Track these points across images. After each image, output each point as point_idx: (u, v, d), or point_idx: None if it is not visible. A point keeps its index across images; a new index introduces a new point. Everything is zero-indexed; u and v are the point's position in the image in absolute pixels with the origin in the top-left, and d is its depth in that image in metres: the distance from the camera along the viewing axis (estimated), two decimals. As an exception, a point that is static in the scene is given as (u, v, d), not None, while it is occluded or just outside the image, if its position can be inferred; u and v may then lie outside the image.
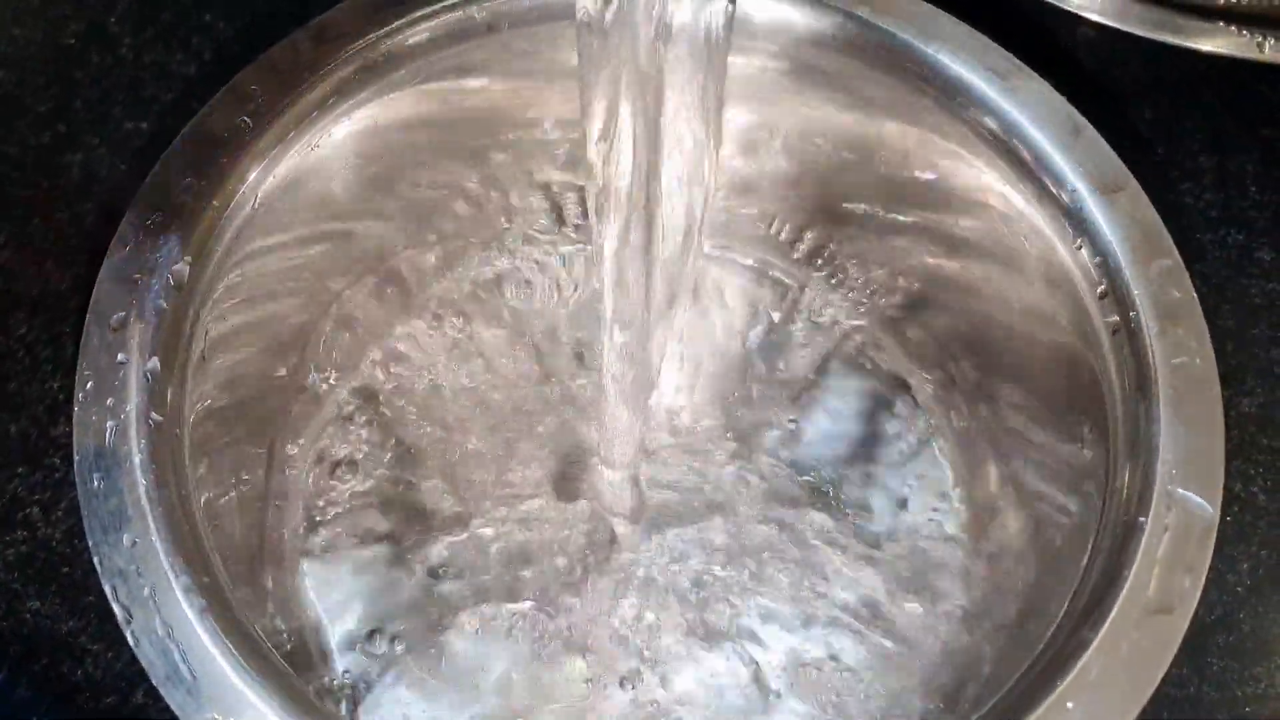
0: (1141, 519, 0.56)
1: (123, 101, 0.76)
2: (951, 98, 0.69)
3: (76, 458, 0.55)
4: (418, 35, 0.69)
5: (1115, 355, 0.62)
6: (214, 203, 0.63)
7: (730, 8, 0.53)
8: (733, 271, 0.84)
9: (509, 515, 0.76)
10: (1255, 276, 0.73)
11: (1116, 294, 0.62)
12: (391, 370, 0.79)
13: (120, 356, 0.58)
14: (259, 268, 0.68)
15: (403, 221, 0.78)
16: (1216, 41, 0.74)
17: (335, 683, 0.69)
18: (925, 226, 0.76)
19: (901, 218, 0.77)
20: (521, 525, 0.76)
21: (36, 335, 0.68)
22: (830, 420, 0.80)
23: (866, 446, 0.79)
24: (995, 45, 0.69)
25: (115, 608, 0.52)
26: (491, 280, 0.83)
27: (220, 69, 0.69)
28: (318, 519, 0.74)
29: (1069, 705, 0.51)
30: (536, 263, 0.84)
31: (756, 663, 0.73)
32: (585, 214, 0.83)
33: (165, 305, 0.59)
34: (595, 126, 0.55)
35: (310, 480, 0.75)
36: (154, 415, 0.57)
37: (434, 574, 0.74)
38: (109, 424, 0.56)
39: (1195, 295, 0.62)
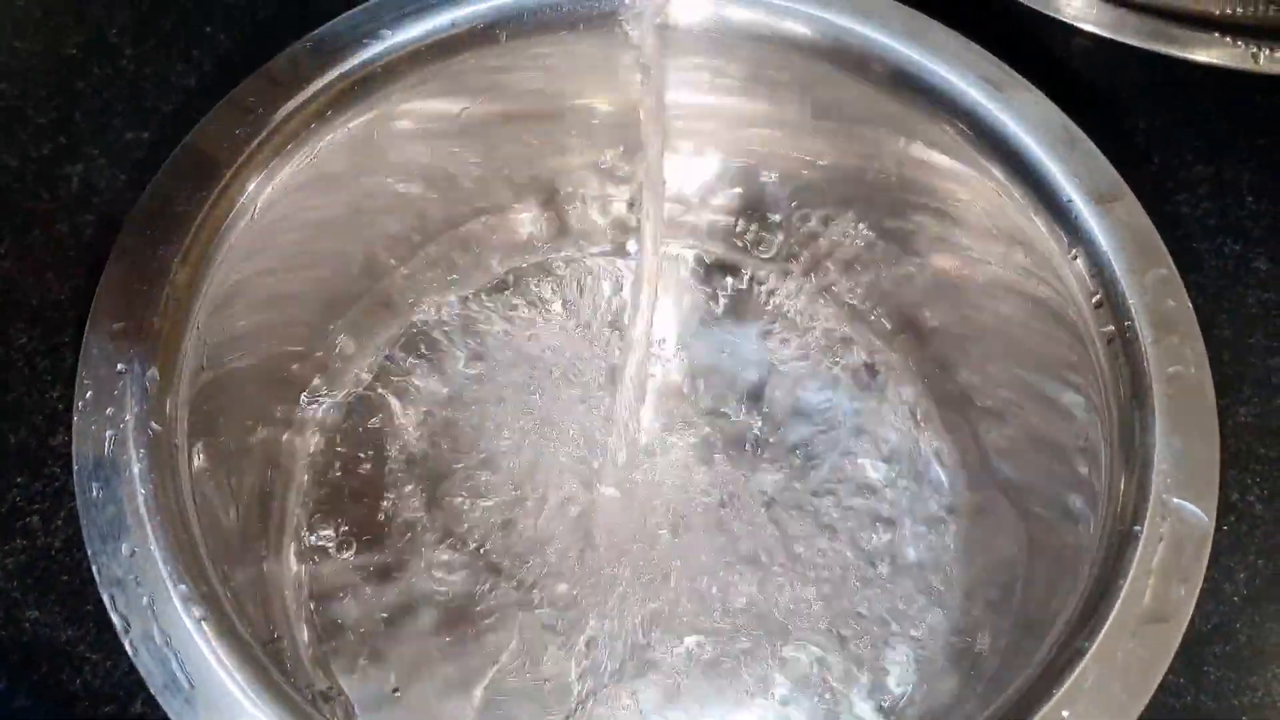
0: (1137, 528, 0.56)
1: (123, 113, 0.76)
2: (946, 108, 0.69)
3: (76, 467, 0.55)
4: (416, 46, 0.69)
5: (1110, 364, 0.62)
6: (213, 213, 0.63)
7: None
8: (724, 281, 0.85)
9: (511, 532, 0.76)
10: (1252, 286, 0.74)
11: (1112, 303, 0.62)
12: (391, 380, 0.79)
13: (119, 366, 0.58)
14: (259, 278, 0.68)
15: (401, 232, 0.78)
16: (1212, 52, 0.75)
17: (332, 691, 0.69)
18: (920, 236, 0.76)
19: (896, 227, 0.77)
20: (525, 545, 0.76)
21: (36, 346, 0.68)
22: (820, 429, 0.80)
23: (857, 460, 0.79)
24: (990, 55, 0.69)
25: (114, 617, 0.52)
26: (491, 290, 0.83)
27: (220, 80, 0.69)
28: (318, 530, 0.74)
29: (1065, 714, 0.51)
30: (537, 273, 0.84)
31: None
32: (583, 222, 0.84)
33: (164, 315, 0.59)
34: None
35: (311, 490, 0.75)
36: (153, 425, 0.57)
37: (433, 579, 0.74)
38: (108, 433, 0.56)
39: (1190, 305, 0.62)
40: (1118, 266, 0.62)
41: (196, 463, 0.61)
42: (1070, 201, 0.64)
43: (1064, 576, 0.61)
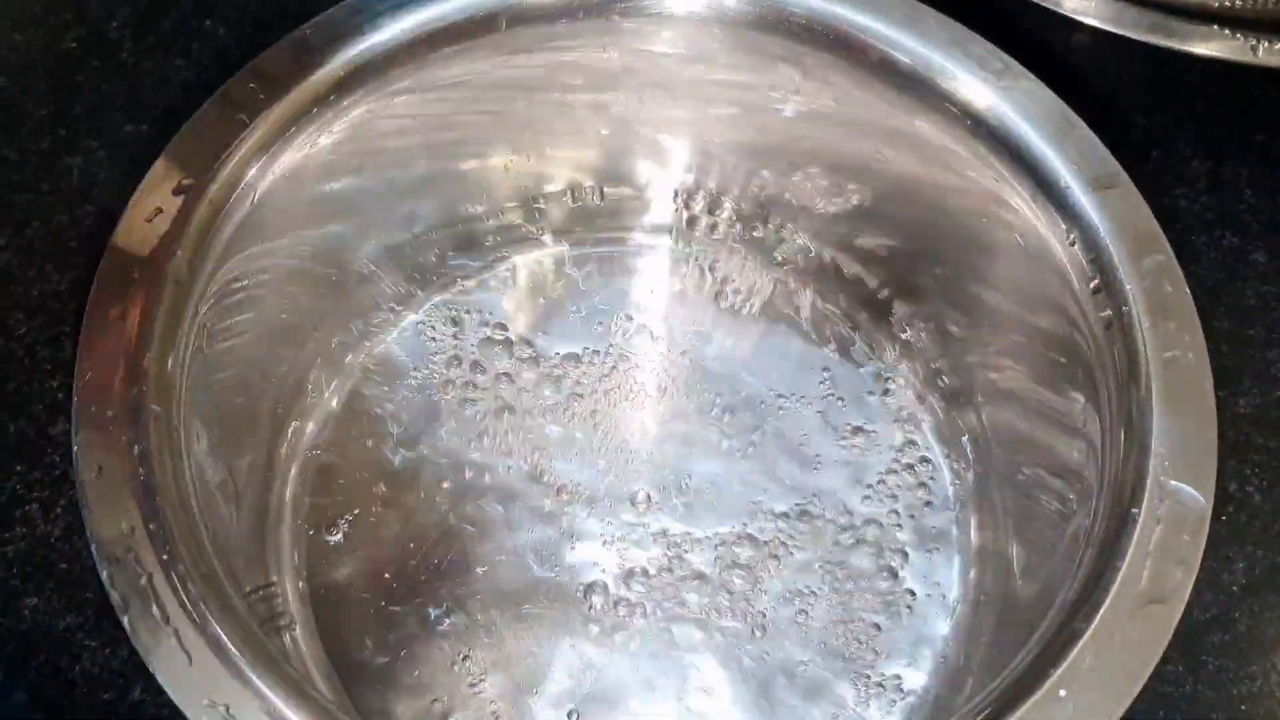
0: (1134, 511, 0.56)
1: (122, 106, 0.76)
2: (944, 95, 0.69)
3: (75, 447, 0.55)
4: (415, 34, 0.69)
5: (1108, 349, 0.62)
6: (211, 199, 0.63)
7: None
8: (740, 273, 0.85)
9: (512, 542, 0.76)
10: (1250, 279, 0.74)
11: (1109, 289, 0.62)
12: (391, 363, 0.80)
13: (118, 350, 0.58)
14: (258, 264, 0.68)
15: (400, 220, 0.79)
16: (1210, 45, 0.75)
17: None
18: (917, 222, 0.76)
19: (894, 214, 0.77)
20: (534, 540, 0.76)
21: (36, 336, 0.69)
22: (824, 417, 0.80)
23: (859, 442, 0.79)
24: (987, 43, 0.69)
25: (112, 595, 0.52)
26: (483, 277, 0.84)
27: (219, 75, 0.69)
28: (318, 512, 0.74)
29: (1061, 694, 0.51)
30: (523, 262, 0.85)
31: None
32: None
33: (164, 300, 0.60)
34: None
35: (310, 473, 0.76)
36: (154, 407, 0.57)
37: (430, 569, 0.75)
38: (108, 413, 0.56)
39: (1187, 290, 0.62)
40: (1115, 252, 0.63)
41: (196, 445, 0.61)
42: (1068, 188, 0.65)
43: (1062, 558, 0.62)
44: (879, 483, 0.77)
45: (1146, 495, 0.56)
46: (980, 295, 0.75)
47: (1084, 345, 0.64)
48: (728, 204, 0.83)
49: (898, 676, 0.71)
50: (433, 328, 0.81)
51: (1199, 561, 0.55)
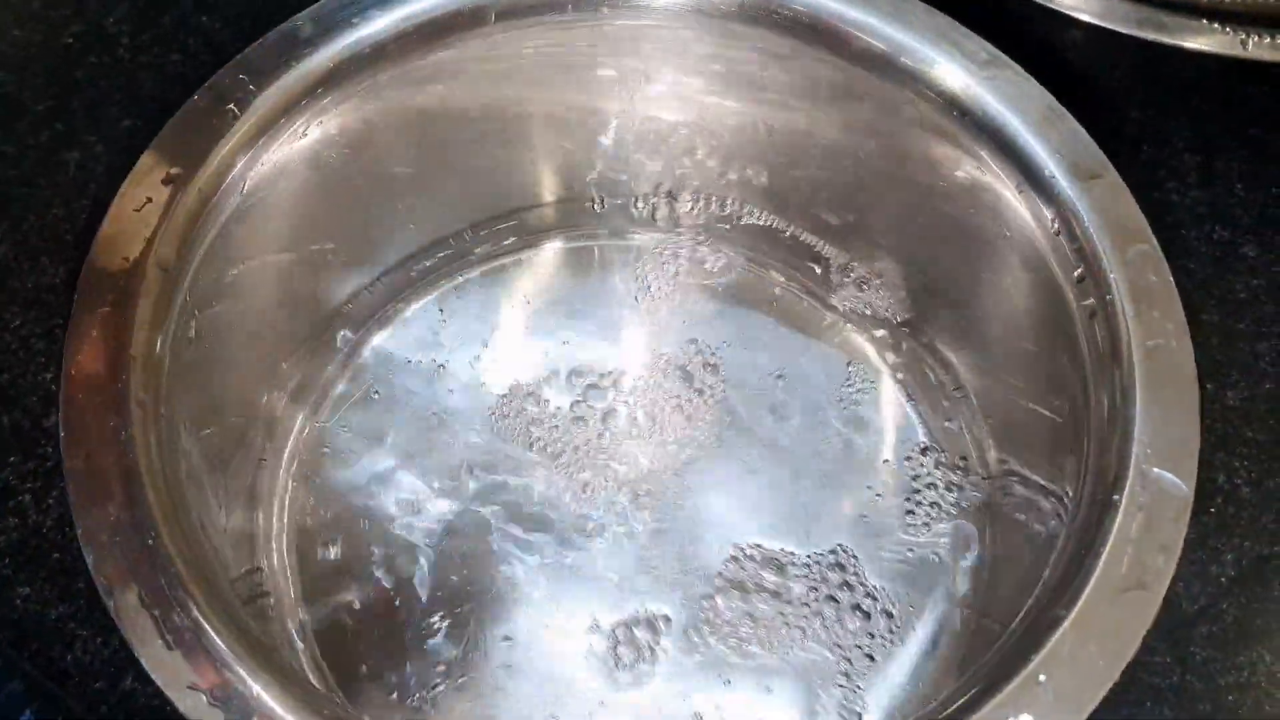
0: (1116, 498, 0.56)
1: (120, 101, 0.77)
2: (931, 86, 0.69)
3: (63, 433, 0.56)
4: (404, 27, 0.70)
5: (1092, 338, 0.62)
6: (200, 189, 0.63)
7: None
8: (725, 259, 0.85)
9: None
10: (1240, 272, 0.74)
11: (1094, 278, 0.63)
12: (381, 351, 0.80)
13: (107, 337, 0.58)
14: (248, 253, 0.69)
15: (389, 210, 0.79)
16: (1201, 40, 0.75)
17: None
18: (905, 211, 0.76)
19: (881, 203, 0.78)
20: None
21: (31, 329, 0.69)
22: (812, 408, 0.80)
23: (846, 427, 0.79)
24: (975, 35, 0.70)
25: (97, 580, 0.53)
26: (477, 270, 0.84)
27: (216, 70, 0.70)
28: (307, 499, 0.75)
29: (1041, 678, 0.52)
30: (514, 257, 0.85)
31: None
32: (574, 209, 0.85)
33: (152, 289, 0.60)
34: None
35: (298, 459, 0.76)
36: (140, 394, 0.57)
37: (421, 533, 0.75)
38: (95, 400, 0.57)
39: (1171, 279, 0.62)
40: (1099, 242, 0.63)
41: (183, 432, 0.61)
42: (1053, 178, 0.65)
43: (1045, 544, 0.62)
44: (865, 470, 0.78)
45: (1129, 482, 0.56)
46: (965, 285, 0.75)
47: (1068, 333, 0.64)
48: (717, 197, 0.83)
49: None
50: (426, 320, 0.82)
51: (1180, 548, 0.56)
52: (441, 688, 0.71)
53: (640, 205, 0.85)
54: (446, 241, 0.83)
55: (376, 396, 0.80)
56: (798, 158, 0.79)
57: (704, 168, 0.83)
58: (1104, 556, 0.55)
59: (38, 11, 0.80)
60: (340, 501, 0.76)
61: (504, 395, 0.80)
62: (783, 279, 0.85)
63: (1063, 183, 0.65)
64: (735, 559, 0.76)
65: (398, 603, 0.73)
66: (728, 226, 0.85)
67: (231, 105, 0.66)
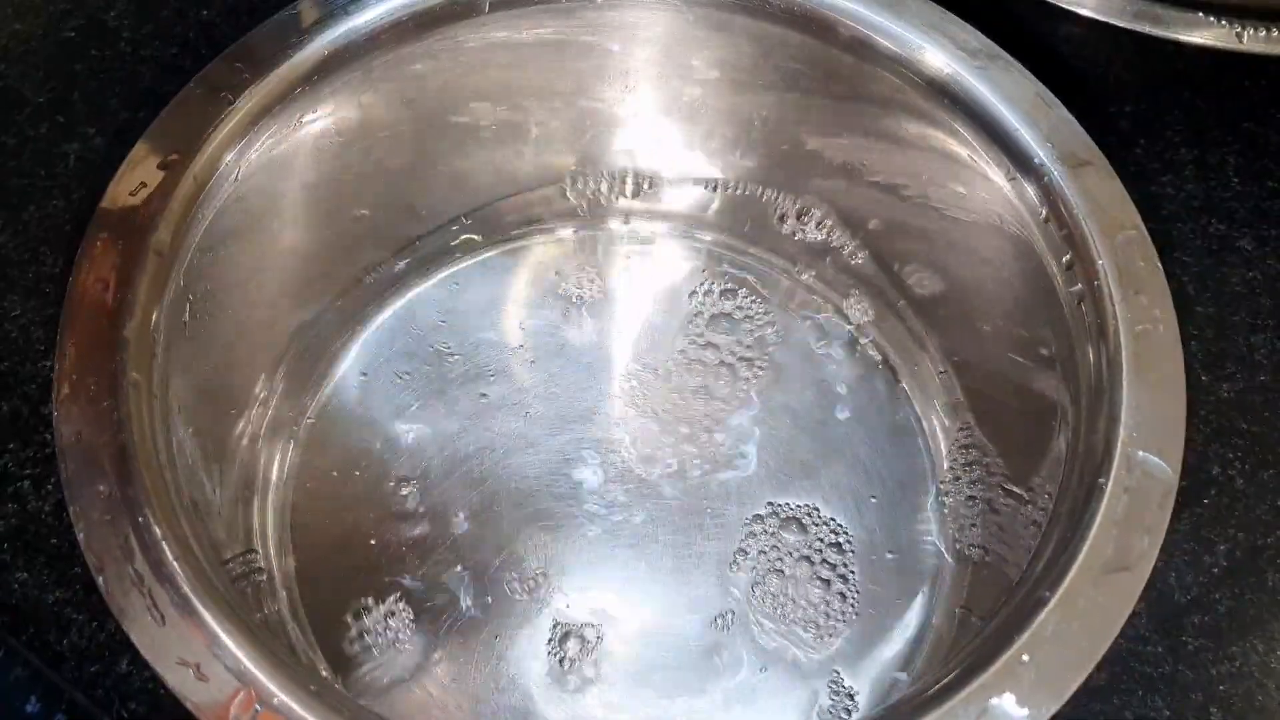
0: (1102, 481, 0.56)
1: (120, 94, 0.77)
2: (922, 75, 0.70)
3: (56, 413, 0.56)
4: (398, 16, 0.70)
5: (1080, 323, 0.63)
6: (195, 175, 0.64)
7: None
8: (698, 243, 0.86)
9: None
10: (1236, 265, 0.74)
11: (1082, 263, 0.63)
12: (377, 337, 0.81)
13: (101, 318, 0.59)
14: (243, 238, 0.69)
15: (384, 198, 0.80)
16: (1196, 33, 0.75)
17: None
18: (896, 198, 0.77)
19: (873, 191, 0.78)
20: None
21: (30, 317, 0.69)
22: (802, 394, 0.81)
23: (838, 409, 0.80)
24: (967, 25, 0.70)
25: (88, 557, 0.53)
26: (470, 259, 0.85)
27: (216, 63, 0.71)
28: (297, 480, 0.75)
29: (1025, 658, 0.52)
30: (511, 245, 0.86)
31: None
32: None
33: (146, 272, 0.61)
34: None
35: (293, 443, 0.77)
36: (133, 375, 0.58)
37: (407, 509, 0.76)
38: (89, 381, 0.57)
39: (1159, 265, 0.63)
40: (1088, 228, 0.63)
41: (176, 415, 0.62)
42: (1042, 165, 0.65)
43: (1030, 526, 0.62)
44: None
45: (1115, 466, 0.56)
46: (956, 271, 0.75)
47: (1058, 318, 0.65)
48: (710, 183, 0.84)
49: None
50: (424, 306, 0.82)
51: (1165, 530, 0.56)
52: (437, 668, 0.72)
53: (633, 193, 0.85)
54: (442, 229, 0.83)
55: (372, 381, 0.80)
56: (789, 146, 0.80)
57: (698, 156, 0.83)
58: (1089, 539, 0.55)
59: (39, 5, 0.81)
60: (335, 484, 0.76)
61: (509, 380, 0.80)
62: (773, 263, 0.85)
63: (1052, 170, 0.65)
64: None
65: (395, 582, 0.73)
66: (720, 213, 0.85)
67: (226, 93, 0.66)
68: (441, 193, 0.82)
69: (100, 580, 0.53)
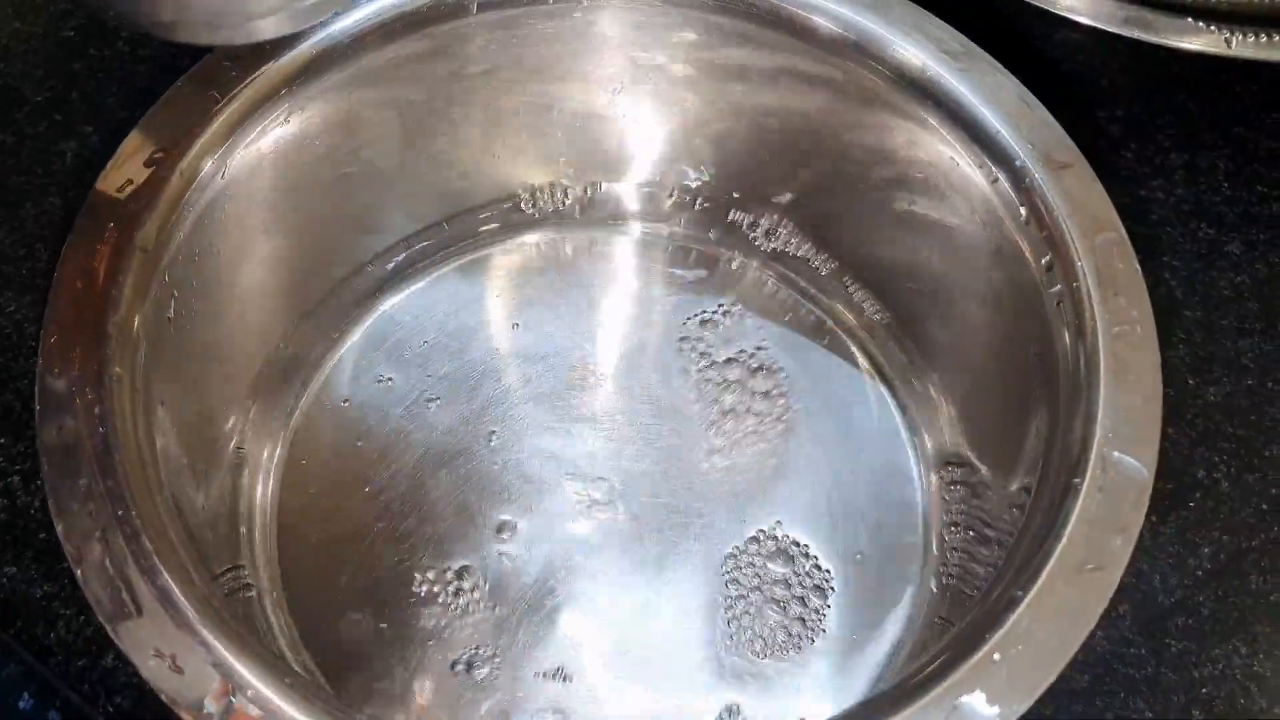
0: (1077, 481, 0.56)
1: (118, 93, 0.78)
2: (904, 76, 0.70)
3: (38, 406, 0.57)
4: (386, 16, 0.71)
5: (1059, 324, 0.63)
6: (182, 172, 0.64)
7: None
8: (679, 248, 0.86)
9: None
10: (1225, 269, 0.74)
11: (1062, 265, 0.63)
12: (363, 340, 0.81)
13: (85, 312, 0.59)
14: (230, 237, 0.70)
15: (371, 199, 0.80)
16: (1187, 38, 0.75)
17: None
18: (876, 200, 0.77)
19: (852, 193, 0.78)
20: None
21: (25, 313, 0.70)
22: (784, 398, 0.81)
23: (820, 414, 0.80)
24: (949, 28, 0.71)
25: (66, 547, 0.53)
26: (461, 259, 0.85)
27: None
28: (283, 484, 0.76)
29: (996, 657, 0.52)
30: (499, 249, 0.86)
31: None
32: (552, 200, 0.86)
33: (131, 268, 0.61)
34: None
35: (279, 446, 0.77)
36: (116, 369, 0.58)
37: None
38: (71, 373, 0.58)
39: (1137, 266, 0.63)
40: (1068, 230, 0.63)
41: (161, 413, 0.62)
42: (1023, 166, 0.66)
43: (1006, 525, 0.62)
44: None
45: (1090, 465, 0.57)
46: (935, 273, 0.76)
47: (1035, 320, 0.65)
48: (696, 187, 0.84)
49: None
50: (410, 309, 0.83)
51: (1139, 530, 0.56)
52: (420, 666, 0.72)
53: (621, 195, 0.85)
54: (428, 231, 0.83)
55: (362, 380, 0.80)
56: (772, 147, 0.80)
57: (680, 159, 0.84)
58: (1064, 539, 0.55)
59: (39, 4, 0.81)
60: (322, 488, 0.76)
61: (490, 383, 0.81)
62: (748, 265, 0.85)
63: (1033, 171, 0.65)
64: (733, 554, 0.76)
65: (381, 583, 0.73)
66: (705, 215, 0.85)
67: (214, 91, 0.66)
68: (429, 194, 0.82)
69: (78, 571, 0.53)
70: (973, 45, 0.69)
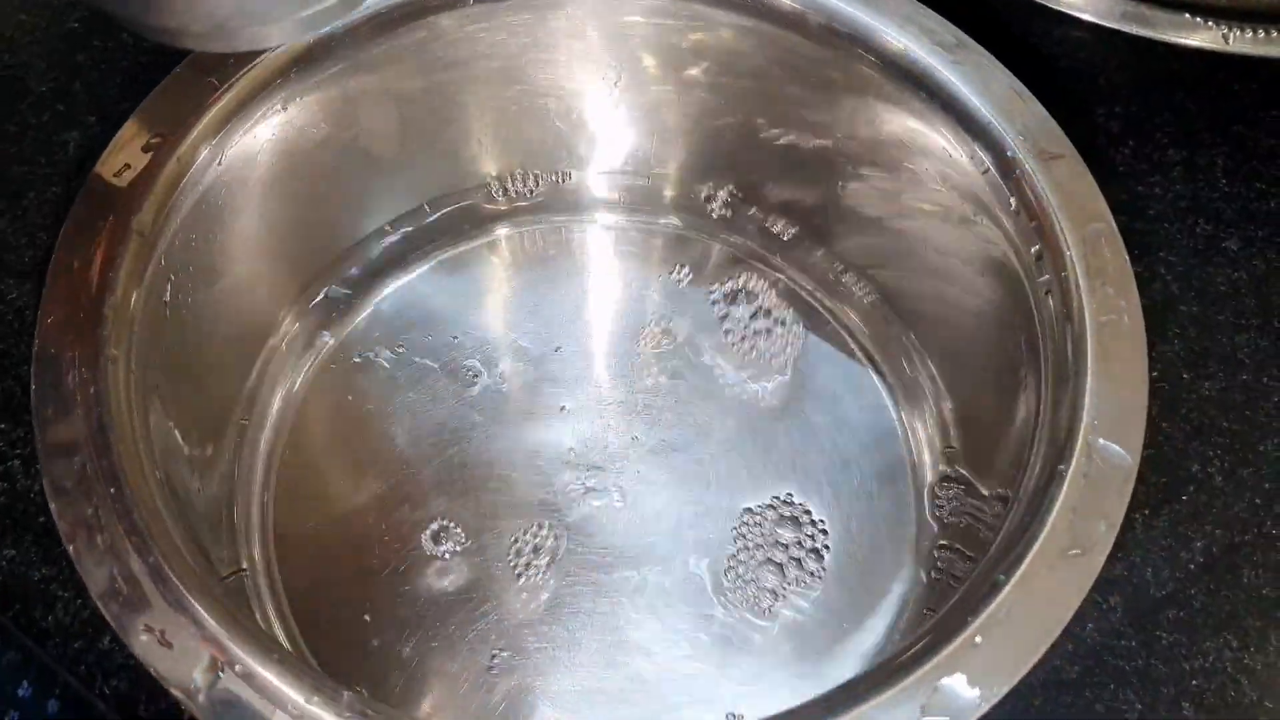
0: (1062, 468, 0.57)
1: (121, 84, 0.78)
2: (896, 67, 0.70)
3: (33, 386, 0.58)
4: (384, 6, 0.71)
5: (1047, 313, 0.63)
6: (179, 158, 0.65)
7: None
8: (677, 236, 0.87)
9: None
10: (1222, 265, 0.74)
11: (1051, 255, 0.64)
12: (359, 326, 0.82)
13: (83, 295, 0.60)
14: (226, 223, 0.70)
15: (366, 187, 0.81)
16: (1185, 34, 0.76)
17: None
18: (867, 189, 0.77)
19: (844, 184, 0.79)
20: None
21: (26, 301, 0.70)
22: (775, 385, 0.82)
23: (813, 401, 0.80)
24: (943, 20, 0.71)
25: (59, 525, 0.54)
26: (454, 251, 0.86)
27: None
28: (280, 470, 0.76)
29: (977, 640, 0.52)
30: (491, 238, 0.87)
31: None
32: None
33: (128, 252, 0.62)
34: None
35: (276, 431, 0.77)
36: (112, 351, 0.59)
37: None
38: (67, 355, 0.58)
39: (1126, 256, 0.63)
40: (1057, 220, 0.64)
41: (157, 395, 0.63)
42: (1014, 157, 0.66)
43: (993, 513, 0.62)
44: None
45: (1076, 453, 0.57)
46: (926, 258, 0.76)
47: (1024, 309, 0.65)
48: (686, 179, 0.85)
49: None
50: (405, 295, 0.83)
51: (1122, 517, 0.56)
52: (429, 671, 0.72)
53: (603, 184, 0.86)
54: (419, 219, 0.84)
55: (355, 367, 0.81)
56: (763, 138, 0.81)
57: (673, 150, 0.84)
58: (1048, 525, 0.55)
59: (44, -3, 0.82)
60: (316, 474, 0.77)
61: (481, 367, 0.81)
62: (740, 251, 0.85)
63: (1025, 162, 0.65)
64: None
65: (376, 567, 0.74)
66: (696, 208, 0.86)
67: (212, 78, 0.67)
68: (424, 182, 0.83)
69: (71, 549, 0.53)
70: (965, 37, 0.70)
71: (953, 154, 0.69)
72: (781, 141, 0.80)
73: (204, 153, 0.66)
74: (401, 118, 0.77)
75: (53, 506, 0.54)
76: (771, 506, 0.77)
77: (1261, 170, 0.77)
